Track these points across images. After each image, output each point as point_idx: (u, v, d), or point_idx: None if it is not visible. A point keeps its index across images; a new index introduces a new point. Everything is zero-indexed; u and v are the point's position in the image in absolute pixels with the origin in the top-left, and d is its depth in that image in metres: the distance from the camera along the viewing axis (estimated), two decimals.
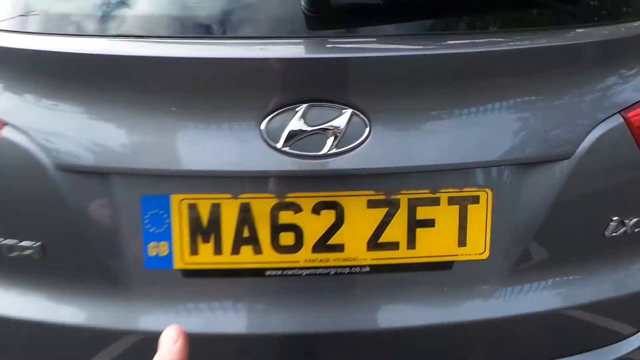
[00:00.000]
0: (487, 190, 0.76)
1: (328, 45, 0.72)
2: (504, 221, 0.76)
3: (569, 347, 0.88)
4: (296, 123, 0.70)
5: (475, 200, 0.76)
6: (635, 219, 0.82)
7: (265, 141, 0.71)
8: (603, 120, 0.75)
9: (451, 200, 0.76)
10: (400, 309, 0.80)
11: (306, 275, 0.76)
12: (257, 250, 0.73)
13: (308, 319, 0.78)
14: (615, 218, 0.80)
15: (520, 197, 0.77)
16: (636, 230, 0.83)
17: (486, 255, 0.77)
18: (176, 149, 0.72)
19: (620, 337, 0.89)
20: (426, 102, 0.73)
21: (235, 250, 0.73)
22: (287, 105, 0.70)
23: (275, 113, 0.70)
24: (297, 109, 0.70)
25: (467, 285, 0.81)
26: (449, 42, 0.74)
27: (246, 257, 0.73)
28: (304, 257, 0.75)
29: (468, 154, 0.73)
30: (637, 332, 0.91)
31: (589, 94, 0.76)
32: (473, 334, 0.81)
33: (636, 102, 0.77)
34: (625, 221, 0.81)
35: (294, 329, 0.78)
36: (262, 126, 0.70)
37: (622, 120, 0.75)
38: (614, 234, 0.81)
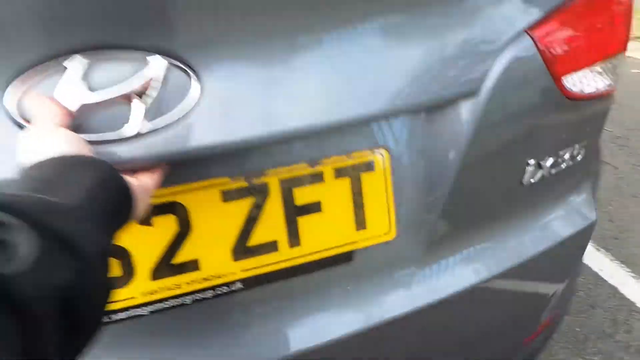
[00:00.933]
0: (382, 151, 0.58)
1: None
2: (408, 187, 0.62)
3: (500, 318, 0.76)
4: (67, 88, 0.42)
5: (370, 166, 0.59)
6: (551, 159, 0.69)
7: (14, 121, 0.42)
8: (509, 44, 0.58)
9: (339, 173, 0.58)
10: (294, 327, 0.60)
11: (150, 314, 0.53)
12: None
13: None
14: (532, 161, 0.67)
15: (423, 153, 0.61)
16: (553, 172, 0.70)
17: (393, 234, 0.62)
18: None
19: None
20: (286, 31, 0.48)
21: None
22: (47, 57, 0.41)
23: (26, 74, 0.41)
24: (65, 63, 0.42)
25: (375, 277, 0.64)
26: None
27: None
28: (140, 289, 0.53)
29: (350, 105, 0.52)
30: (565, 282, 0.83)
31: (487, 12, 0.59)
32: (392, 333, 0.64)
33: (542, 19, 0.61)
34: (542, 163, 0.68)
35: None
36: (6, 99, 0.41)
37: (531, 41, 0.59)
38: (532, 180, 0.68)
